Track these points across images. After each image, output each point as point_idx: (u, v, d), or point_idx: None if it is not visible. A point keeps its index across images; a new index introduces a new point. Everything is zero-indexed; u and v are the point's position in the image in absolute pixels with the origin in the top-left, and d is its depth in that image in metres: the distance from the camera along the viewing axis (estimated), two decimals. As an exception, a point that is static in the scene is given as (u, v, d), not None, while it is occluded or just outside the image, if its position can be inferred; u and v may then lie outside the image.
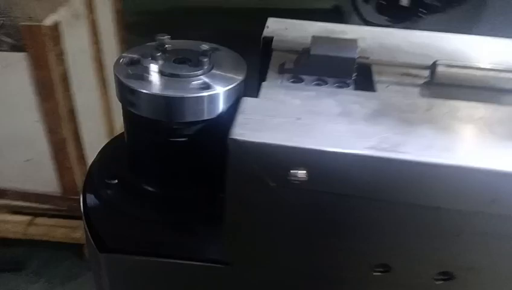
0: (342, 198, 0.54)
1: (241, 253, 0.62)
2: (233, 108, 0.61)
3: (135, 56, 0.66)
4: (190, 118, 0.62)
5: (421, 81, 0.66)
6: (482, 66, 0.64)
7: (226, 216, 0.58)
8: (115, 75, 0.64)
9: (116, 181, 0.71)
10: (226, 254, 0.62)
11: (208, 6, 2.97)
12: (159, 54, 0.65)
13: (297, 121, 0.55)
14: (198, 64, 0.64)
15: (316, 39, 0.65)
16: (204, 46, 0.68)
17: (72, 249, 1.91)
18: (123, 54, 0.69)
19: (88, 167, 0.78)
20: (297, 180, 0.52)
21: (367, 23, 2.42)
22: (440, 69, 0.63)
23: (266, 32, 0.79)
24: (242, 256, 0.62)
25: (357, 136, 0.53)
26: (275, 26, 0.82)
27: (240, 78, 0.63)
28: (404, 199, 0.52)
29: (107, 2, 1.86)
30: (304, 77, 0.66)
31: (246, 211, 0.57)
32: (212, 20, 2.84)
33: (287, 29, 0.81)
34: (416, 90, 0.64)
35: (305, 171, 0.52)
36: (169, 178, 0.70)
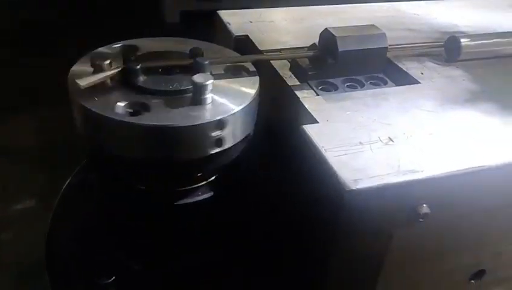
0: (460, 217, 0.45)
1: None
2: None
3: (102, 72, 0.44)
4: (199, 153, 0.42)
5: (441, 60, 0.59)
6: (498, 33, 0.61)
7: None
8: (84, 107, 0.41)
9: (114, 278, 0.50)
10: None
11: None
12: (138, 67, 0.44)
13: (393, 142, 0.44)
14: (195, 72, 0.43)
15: (336, 32, 0.53)
16: (189, 43, 0.49)
17: None
18: (74, 68, 0.45)
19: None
20: (422, 217, 0.42)
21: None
22: (464, 43, 0.58)
23: (234, 29, 0.63)
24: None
25: (478, 141, 0.44)
26: (235, 21, 0.66)
27: (252, 91, 0.45)
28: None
29: None
30: (331, 80, 0.54)
31: (360, 275, 0.44)
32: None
33: (251, 22, 0.67)
34: (449, 70, 0.57)
35: (426, 205, 0.42)
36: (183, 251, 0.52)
